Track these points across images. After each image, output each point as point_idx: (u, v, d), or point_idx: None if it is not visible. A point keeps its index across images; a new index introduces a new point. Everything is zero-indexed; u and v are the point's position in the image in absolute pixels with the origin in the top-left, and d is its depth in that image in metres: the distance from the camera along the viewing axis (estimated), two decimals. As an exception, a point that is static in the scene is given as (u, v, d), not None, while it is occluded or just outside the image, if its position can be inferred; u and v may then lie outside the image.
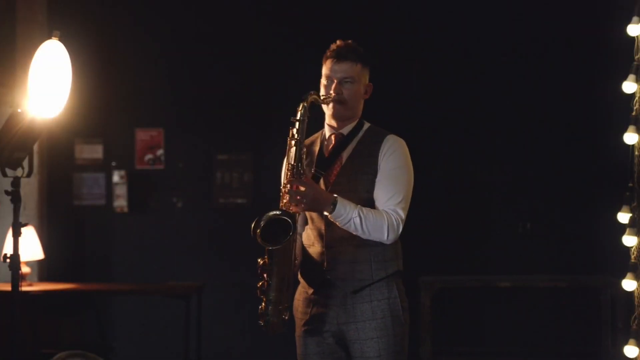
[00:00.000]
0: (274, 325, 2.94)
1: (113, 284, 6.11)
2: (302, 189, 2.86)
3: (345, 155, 3.05)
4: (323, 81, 3.07)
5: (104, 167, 6.30)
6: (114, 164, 6.30)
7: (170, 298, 5.68)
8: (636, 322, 3.66)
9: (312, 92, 2.97)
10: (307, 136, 3.05)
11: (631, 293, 3.71)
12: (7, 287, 3.22)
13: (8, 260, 3.14)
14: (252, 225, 2.83)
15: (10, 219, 3.12)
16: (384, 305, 2.98)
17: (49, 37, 3.13)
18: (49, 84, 3.09)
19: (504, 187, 6.21)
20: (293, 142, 2.93)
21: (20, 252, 3.16)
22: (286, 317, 2.96)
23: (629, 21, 3.68)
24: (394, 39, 6.15)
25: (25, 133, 3.05)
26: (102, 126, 6.28)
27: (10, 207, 3.13)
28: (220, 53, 6.30)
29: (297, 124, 2.93)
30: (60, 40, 3.13)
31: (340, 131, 3.09)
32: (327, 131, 3.13)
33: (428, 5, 6.15)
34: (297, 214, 2.91)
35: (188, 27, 6.33)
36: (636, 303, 3.66)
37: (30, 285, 5.51)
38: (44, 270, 6.02)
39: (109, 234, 6.32)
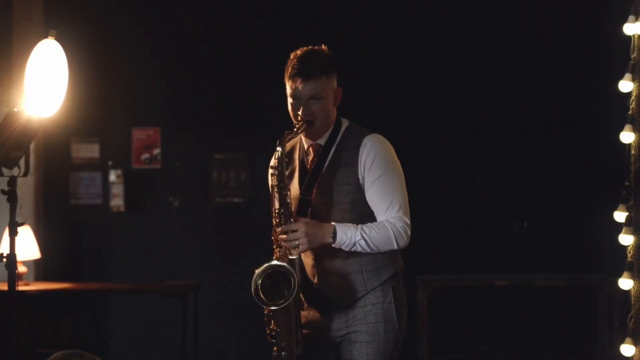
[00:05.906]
0: None
1: (110, 283, 6.11)
2: (296, 230, 2.78)
3: (324, 167, 2.94)
4: (290, 99, 2.92)
5: (101, 166, 6.29)
6: (110, 163, 6.29)
7: (168, 297, 5.68)
8: (633, 320, 3.66)
9: (285, 134, 2.84)
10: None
11: (628, 292, 3.72)
12: (4, 287, 3.21)
13: (4, 259, 3.13)
14: (253, 280, 2.71)
15: (7, 218, 3.11)
16: (378, 310, 2.91)
17: (46, 37, 3.11)
18: (46, 83, 3.08)
19: (501, 185, 6.21)
20: (276, 189, 2.82)
21: (17, 251, 3.15)
22: (299, 352, 2.89)
23: (625, 20, 3.69)
24: (393, 37, 6.15)
25: (21, 132, 3.04)
26: (99, 125, 6.27)
27: (6, 206, 3.12)
28: (216, 52, 6.29)
29: (277, 172, 2.82)
30: (56, 39, 3.12)
31: (318, 142, 2.98)
32: (304, 141, 3.02)
33: (428, 3, 6.15)
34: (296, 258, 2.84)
35: (184, 26, 6.31)
36: (633, 302, 3.67)
37: (27, 284, 5.50)
38: (40, 269, 6.01)
39: (106, 233, 6.31)
